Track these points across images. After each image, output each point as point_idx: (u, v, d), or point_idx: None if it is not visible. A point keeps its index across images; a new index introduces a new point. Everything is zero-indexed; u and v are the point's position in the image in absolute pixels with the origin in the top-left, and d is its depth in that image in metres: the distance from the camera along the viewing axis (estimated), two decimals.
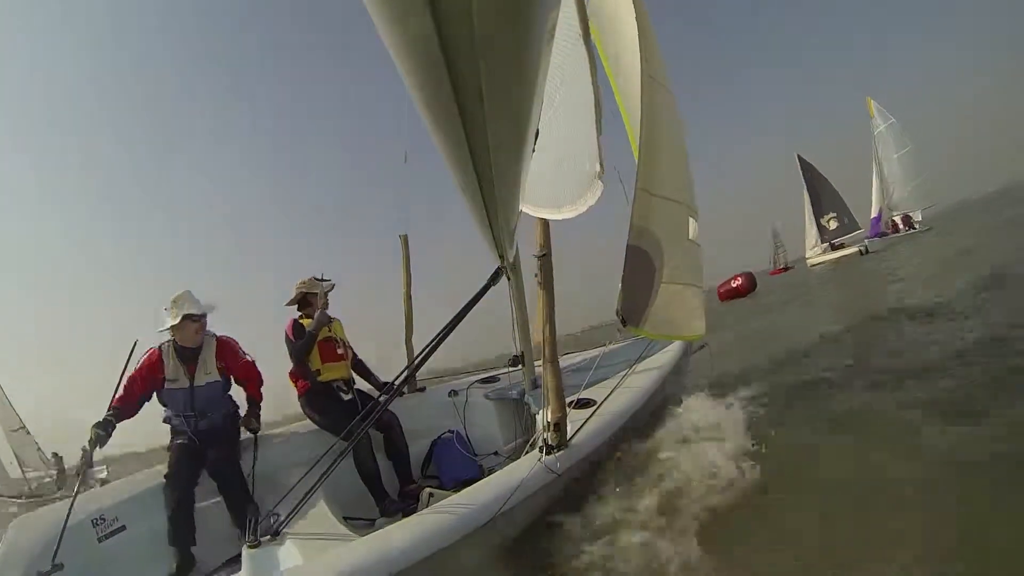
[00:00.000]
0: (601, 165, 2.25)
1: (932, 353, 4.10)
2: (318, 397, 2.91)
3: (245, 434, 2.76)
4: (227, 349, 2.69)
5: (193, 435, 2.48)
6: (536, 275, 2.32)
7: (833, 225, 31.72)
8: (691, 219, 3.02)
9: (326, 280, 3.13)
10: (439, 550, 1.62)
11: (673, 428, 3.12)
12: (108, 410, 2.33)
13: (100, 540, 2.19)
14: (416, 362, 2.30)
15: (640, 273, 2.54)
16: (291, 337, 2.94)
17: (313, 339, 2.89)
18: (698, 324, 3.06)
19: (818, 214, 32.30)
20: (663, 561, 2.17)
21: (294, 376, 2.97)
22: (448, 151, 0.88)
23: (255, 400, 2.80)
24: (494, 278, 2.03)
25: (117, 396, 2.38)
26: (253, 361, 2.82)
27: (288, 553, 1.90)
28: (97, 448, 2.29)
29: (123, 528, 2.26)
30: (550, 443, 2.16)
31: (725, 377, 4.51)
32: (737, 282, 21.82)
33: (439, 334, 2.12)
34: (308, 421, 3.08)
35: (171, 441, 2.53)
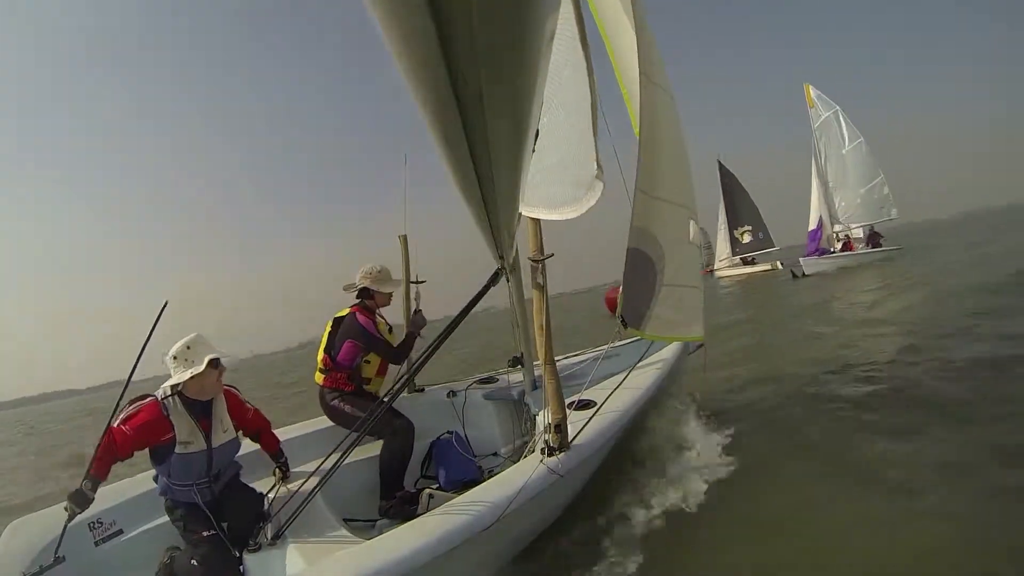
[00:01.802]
0: (599, 166, 2.24)
1: None
2: (357, 399, 2.86)
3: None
4: (234, 401, 2.32)
5: (206, 504, 2.13)
6: (534, 279, 2.31)
7: (747, 239, 28.48)
8: (691, 221, 3.02)
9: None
10: (444, 553, 1.62)
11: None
12: (85, 477, 1.90)
13: (97, 544, 2.19)
14: (417, 363, 2.29)
15: (641, 275, 2.54)
16: (374, 334, 2.81)
17: (411, 347, 2.85)
18: (698, 326, 3.06)
19: (732, 225, 29.14)
20: (666, 563, 2.18)
21: (330, 364, 2.84)
22: (448, 151, 0.87)
23: (276, 449, 2.54)
24: (493, 279, 2.03)
25: (97, 461, 1.93)
26: (257, 408, 2.50)
27: (290, 557, 1.89)
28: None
29: (120, 532, 2.26)
30: (552, 445, 2.16)
31: None
32: None
33: (439, 335, 2.11)
34: (308, 422, 3.06)
35: (184, 525, 2.10)
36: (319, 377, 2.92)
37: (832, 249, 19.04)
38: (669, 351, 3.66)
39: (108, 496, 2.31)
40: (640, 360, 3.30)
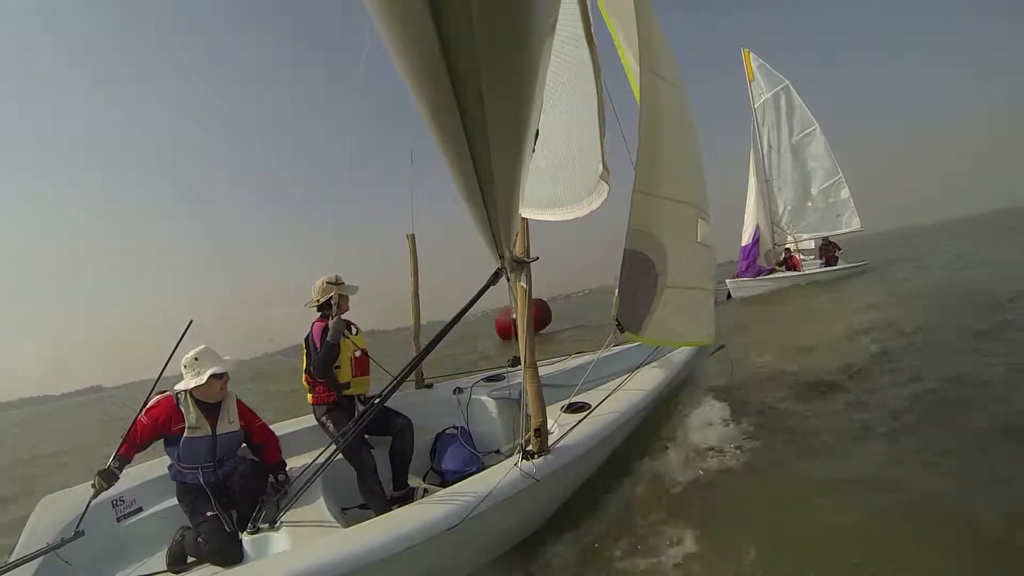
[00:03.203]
0: (605, 166, 2.20)
1: None
2: (340, 412, 2.87)
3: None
4: (244, 408, 2.63)
5: (208, 485, 2.36)
6: (520, 280, 2.26)
7: None
8: (700, 220, 2.96)
9: (350, 284, 2.94)
10: (407, 548, 1.68)
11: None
12: (113, 458, 2.20)
13: (119, 520, 2.40)
14: (414, 361, 2.32)
15: (639, 278, 2.49)
16: (317, 344, 2.79)
17: (332, 351, 2.75)
18: (707, 329, 3.00)
19: None
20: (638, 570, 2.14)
21: (312, 382, 2.88)
22: (448, 151, 0.87)
23: (279, 464, 2.67)
24: (494, 278, 2.03)
25: (124, 444, 2.24)
26: (267, 424, 2.73)
27: (281, 541, 1.99)
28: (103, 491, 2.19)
29: (139, 510, 2.48)
30: (529, 448, 2.16)
31: None
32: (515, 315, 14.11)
33: (439, 334, 2.13)
34: (311, 416, 3.10)
35: (190, 505, 2.32)
36: (308, 397, 2.96)
37: (773, 267, 14.27)
38: (678, 356, 3.60)
39: (131, 477, 2.50)
40: (646, 362, 3.26)
